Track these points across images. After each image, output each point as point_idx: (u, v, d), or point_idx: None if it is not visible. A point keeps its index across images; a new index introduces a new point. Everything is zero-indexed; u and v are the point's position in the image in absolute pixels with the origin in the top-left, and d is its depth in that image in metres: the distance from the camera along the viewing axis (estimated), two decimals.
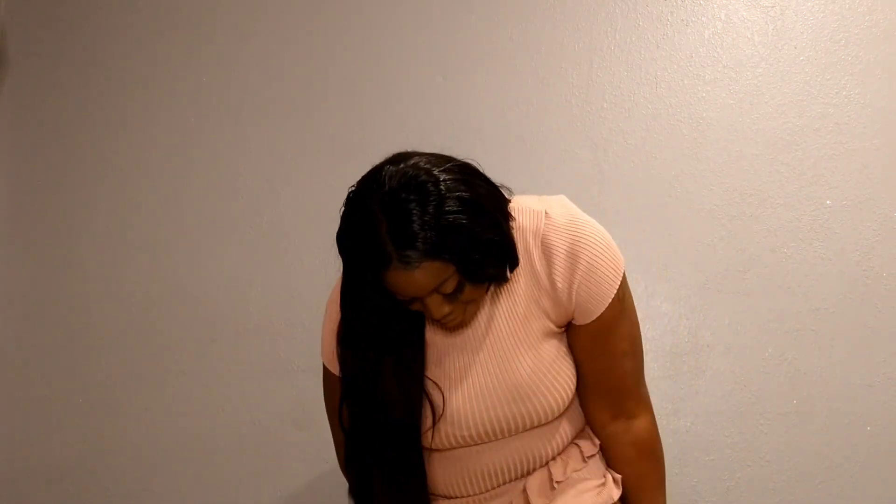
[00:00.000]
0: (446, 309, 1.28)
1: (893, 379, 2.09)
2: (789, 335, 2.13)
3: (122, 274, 2.36)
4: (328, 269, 2.22)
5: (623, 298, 1.40)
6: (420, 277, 1.22)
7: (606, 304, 1.37)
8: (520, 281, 1.38)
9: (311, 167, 2.31)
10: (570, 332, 1.43)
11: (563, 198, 1.42)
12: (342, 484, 2.08)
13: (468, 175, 1.28)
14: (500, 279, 1.32)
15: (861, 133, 2.15)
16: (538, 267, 1.37)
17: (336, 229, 2.20)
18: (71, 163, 2.42)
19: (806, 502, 2.09)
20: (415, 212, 1.20)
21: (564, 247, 1.35)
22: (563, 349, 1.42)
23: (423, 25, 2.31)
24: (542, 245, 1.37)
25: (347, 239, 1.29)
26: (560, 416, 1.45)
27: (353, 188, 1.32)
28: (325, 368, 1.51)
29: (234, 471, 2.28)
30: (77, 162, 2.42)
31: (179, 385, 2.31)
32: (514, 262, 1.33)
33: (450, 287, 1.25)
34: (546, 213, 1.37)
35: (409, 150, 1.35)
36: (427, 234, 1.20)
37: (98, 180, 2.41)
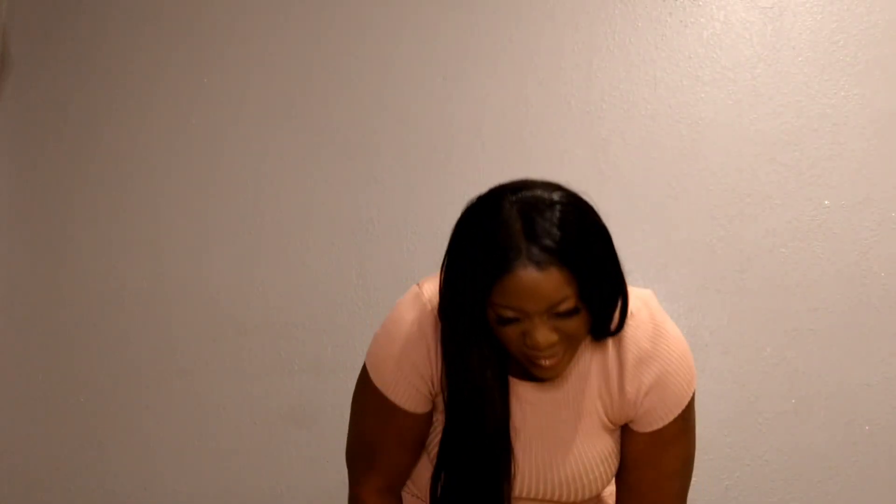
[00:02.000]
0: (553, 338, 1.18)
1: (891, 378, 2.11)
2: (788, 335, 2.14)
3: (124, 273, 2.38)
4: (329, 268, 2.27)
5: (687, 419, 1.33)
6: (544, 283, 1.14)
7: (670, 420, 1.30)
8: (591, 369, 1.32)
9: (312, 167, 2.32)
10: (625, 435, 1.36)
11: (650, 295, 1.35)
12: (343, 482, 2.12)
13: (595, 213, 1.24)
14: (605, 326, 1.25)
15: (859, 133, 2.16)
16: (610, 362, 1.31)
17: (336, 230, 2.25)
18: (73, 162, 2.44)
19: (804, 501, 2.11)
20: (554, 217, 1.15)
21: (641, 351, 1.29)
22: (617, 448, 1.37)
23: (423, 26, 2.32)
24: (619, 341, 1.30)
25: (470, 237, 1.19)
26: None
27: (476, 198, 1.23)
28: (372, 391, 1.36)
29: (234, 470, 2.30)
30: (79, 162, 2.43)
31: (181, 384, 2.33)
32: (623, 316, 1.26)
33: (564, 307, 1.16)
34: (630, 310, 1.28)
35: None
36: (561, 236, 1.14)
37: (99, 180, 2.42)
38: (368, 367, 1.36)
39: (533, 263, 1.13)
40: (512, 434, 1.31)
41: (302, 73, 2.37)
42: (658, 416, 1.31)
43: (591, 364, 1.31)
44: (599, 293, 1.19)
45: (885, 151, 2.15)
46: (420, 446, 1.39)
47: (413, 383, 1.32)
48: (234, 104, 2.38)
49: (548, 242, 1.13)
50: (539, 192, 1.18)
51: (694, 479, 2.07)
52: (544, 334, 1.17)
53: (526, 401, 1.33)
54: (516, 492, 1.34)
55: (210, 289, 2.34)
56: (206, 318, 2.33)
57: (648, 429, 1.32)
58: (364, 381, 1.37)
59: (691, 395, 1.32)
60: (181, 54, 2.42)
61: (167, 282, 2.36)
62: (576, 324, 1.18)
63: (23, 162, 2.46)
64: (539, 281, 1.13)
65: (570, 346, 1.21)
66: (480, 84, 2.26)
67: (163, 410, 2.33)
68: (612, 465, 1.37)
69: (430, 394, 1.33)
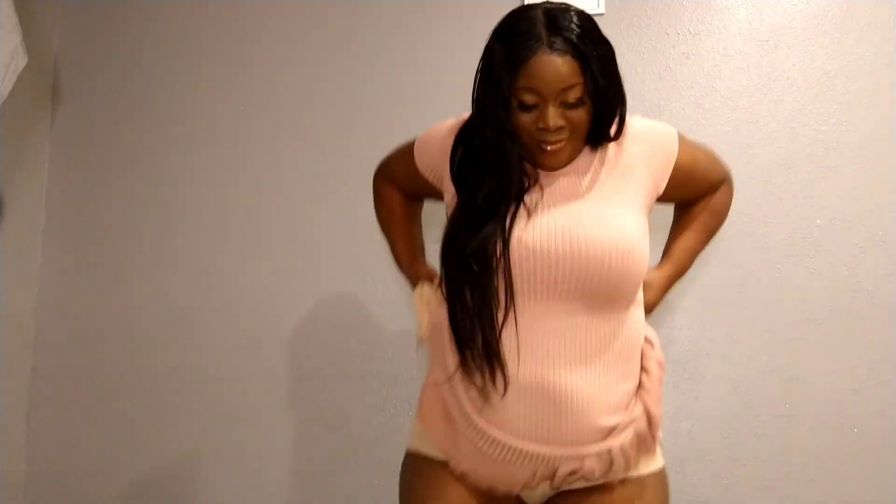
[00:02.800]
0: (561, 122, 1.41)
1: (878, 384, 2.15)
2: (782, 344, 2.19)
3: (167, 287, 2.41)
4: (354, 285, 2.31)
5: (690, 144, 1.57)
6: (560, 67, 1.37)
7: (676, 151, 1.53)
8: (593, 164, 1.50)
9: (340, 191, 2.35)
10: (663, 198, 1.57)
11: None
12: (374, 484, 2.20)
13: None
14: (605, 130, 1.47)
15: (849, 157, 2.21)
16: (610, 154, 1.51)
17: (360, 248, 2.29)
18: (120, 188, 2.46)
19: (798, 498, 2.15)
20: (572, 20, 1.40)
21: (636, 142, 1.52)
22: (645, 228, 1.51)
23: (434, 51, 2.33)
24: (619, 146, 1.52)
25: (505, 30, 1.43)
26: (625, 311, 1.48)
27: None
28: (412, 147, 1.67)
29: (269, 473, 2.31)
30: (126, 187, 2.46)
31: (219, 390, 2.35)
32: (621, 124, 1.48)
33: (573, 96, 1.40)
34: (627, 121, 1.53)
35: None
36: (576, 34, 1.39)
37: (145, 204, 2.45)
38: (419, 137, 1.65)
39: (553, 50, 1.37)
40: (529, 204, 1.47)
41: (313, 93, 2.39)
42: (665, 154, 1.52)
43: (593, 160, 1.50)
44: (602, 92, 1.41)
45: (872, 174, 2.20)
46: (423, 187, 1.65)
47: (433, 157, 1.59)
48: (268, 131, 2.41)
49: (566, 35, 1.38)
50: (564, 4, 1.43)
51: (695, 478, 2.16)
52: (554, 117, 1.40)
53: (540, 183, 1.49)
54: (538, 242, 1.43)
55: (249, 303, 2.37)
56: (243, 328, 2.36)
57: (667, 174, 1.52)
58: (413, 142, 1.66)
59: (677, 135, 1.55)
60: (221, 85, 2.45)
61: (206, 294, 2.39)
62: (580, 115, 1.42)
63: (75, 186, 2.48)
64: (556, 65, 1.37)
65: (572, 135, 1.44)
66: None
67: (202, 414, 2.35)
68: (637, 239, 1.46)
69: (437, 175, 1.59)
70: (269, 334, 2.36)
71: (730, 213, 2.18)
